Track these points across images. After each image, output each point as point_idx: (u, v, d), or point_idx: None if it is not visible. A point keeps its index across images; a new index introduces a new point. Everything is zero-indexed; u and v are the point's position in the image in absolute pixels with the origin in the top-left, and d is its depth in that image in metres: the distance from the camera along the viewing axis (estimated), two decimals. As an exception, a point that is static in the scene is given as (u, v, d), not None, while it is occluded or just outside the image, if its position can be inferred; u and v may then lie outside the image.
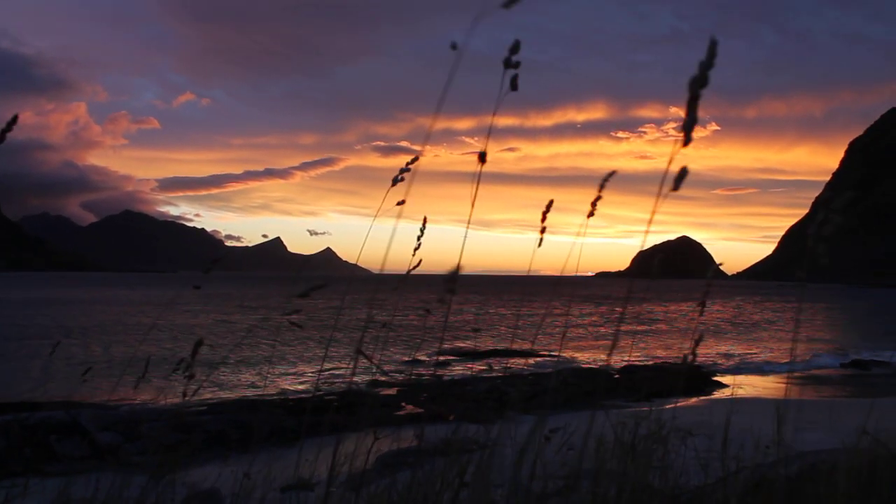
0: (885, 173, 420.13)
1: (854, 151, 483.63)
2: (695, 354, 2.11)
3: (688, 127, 1.20)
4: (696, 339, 2.16)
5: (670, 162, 1.24)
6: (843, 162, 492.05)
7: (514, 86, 1.76)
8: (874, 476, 2.88)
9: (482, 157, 1.92)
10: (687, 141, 1.21)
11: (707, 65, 1.15)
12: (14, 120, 1.89)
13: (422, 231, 2.76)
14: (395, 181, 2.38)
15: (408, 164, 2.33)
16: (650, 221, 1.46)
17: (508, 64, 1.75)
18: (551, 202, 2.28)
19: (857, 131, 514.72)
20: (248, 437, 16.32)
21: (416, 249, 2.78)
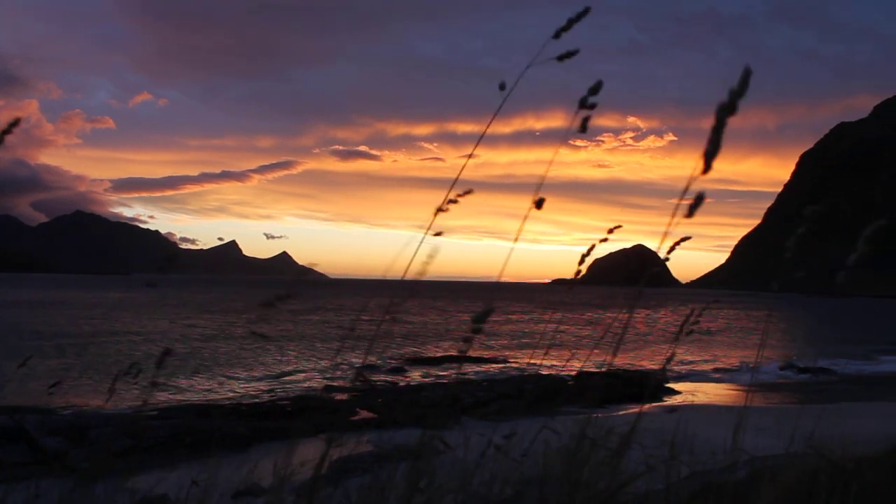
0: (834, 185, 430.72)
1: (805, 163, 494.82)
2: (666, 363, 2.13)
3: (710, 154, 1.12)
4: (667, 357, 2.17)
5: (686, 188, 1.18)
6: (794, 174, 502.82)
7: (583, 127, 1.73)
8: (816, 482, 2.94)
9: (539, 205, 1.88)
10: (707, 169, 1.12)
11: (739, 93, 1.09)
12: (16, 123, 1.81)
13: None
14: (439, 210, 2.25)
15: (452, 199, 2.21)
16: (664, 234, 1.42)
17: (584, 104, 1.71)
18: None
19: (808, 144, 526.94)
20: (200, 443, 16.09)
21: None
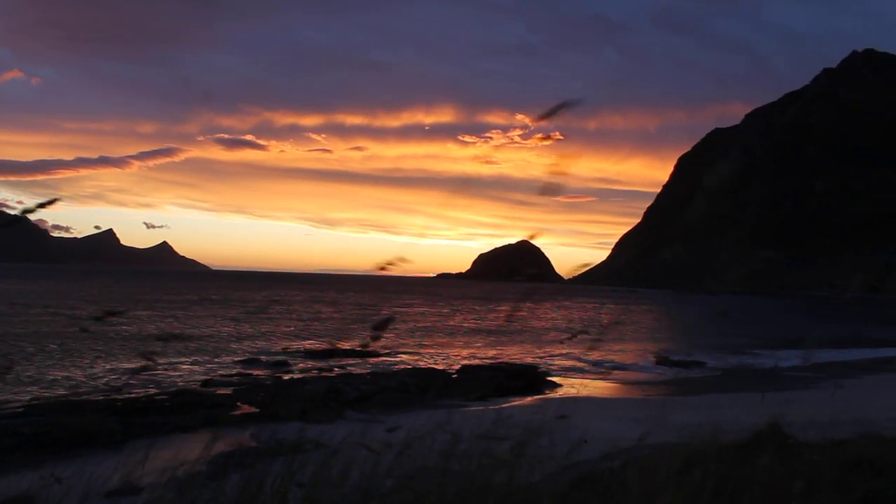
0: (707, 188, 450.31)
1: (682, 166, 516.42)
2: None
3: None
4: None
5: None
6: (672, 175, 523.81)
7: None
8: (686, 470, 3.07)
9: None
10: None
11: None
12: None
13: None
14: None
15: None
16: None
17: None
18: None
19: (686, 147, 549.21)
20: (70, 441, 15.37)
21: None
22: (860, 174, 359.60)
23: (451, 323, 65.83)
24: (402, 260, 2.54)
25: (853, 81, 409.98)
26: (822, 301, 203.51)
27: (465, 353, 39.44)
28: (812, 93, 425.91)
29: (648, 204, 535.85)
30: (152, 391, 22.29)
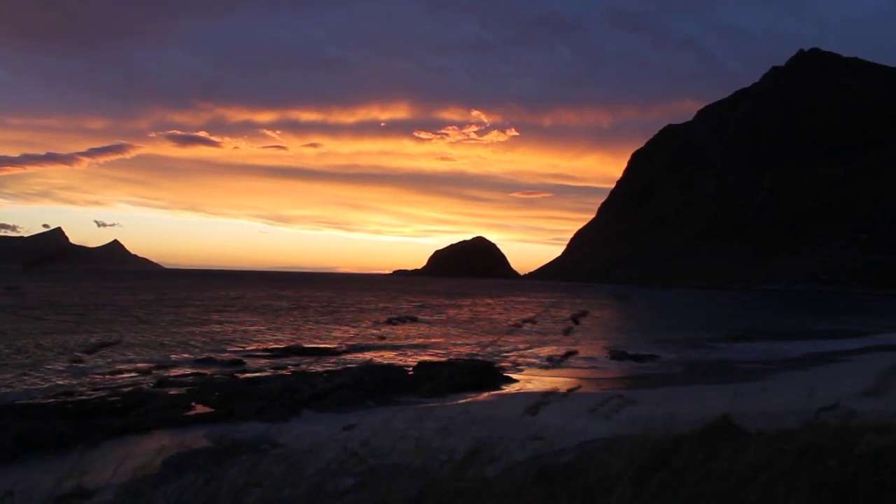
0: (660, 184, 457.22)
1: (635, 162, 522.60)
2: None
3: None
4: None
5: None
6: (626, 171, 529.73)
7: None
8: (640, 461, 3.12)
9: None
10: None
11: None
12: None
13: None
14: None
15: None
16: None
17: None
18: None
19: (639, 144, 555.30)
20: (15, 446, 15.01)
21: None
22: (807, 170, 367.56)
23: (400, 319, 65.61)
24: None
25: (800, 80, 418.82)
26: (773, 294, 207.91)
27: (422, 349, 39.46)
28: (761, 90, 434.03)
29: (603, 199, 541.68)
30: (104, 393, 21.89)
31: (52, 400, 20.60)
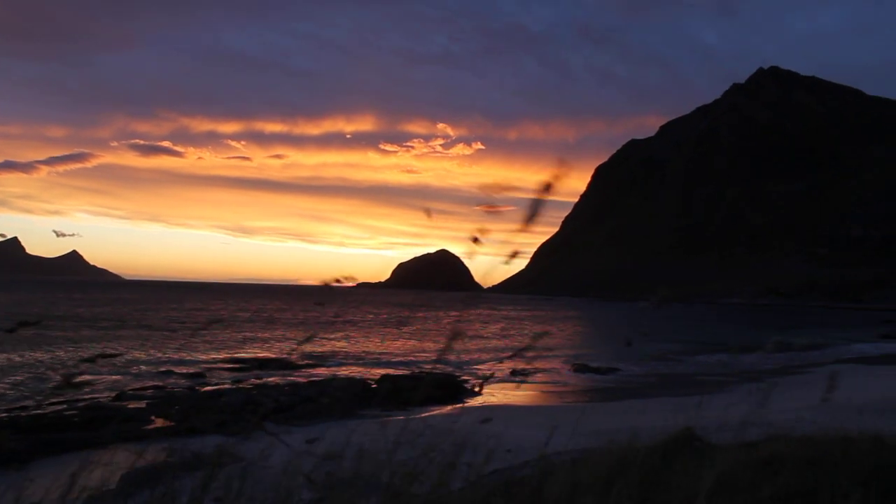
0: (624, 198, 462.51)
1: (599, 176, 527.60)
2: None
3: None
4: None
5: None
6: (590, 185, 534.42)
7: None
8: (608, 474, 3.12)
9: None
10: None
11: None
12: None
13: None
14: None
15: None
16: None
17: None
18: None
19: (603, 157, 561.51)
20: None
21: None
22: (767, 185, 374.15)
23: (370, 332, 65.48)
24: (349, 277, 2.56)
25: (759, 96, 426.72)
26: (734, 308, 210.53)
27: (385, 362, 39.29)
28: (722, 106, 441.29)
29: (566, 213, 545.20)
30: (60, 407, 21.43)
31: (4, 414, 20.12)
